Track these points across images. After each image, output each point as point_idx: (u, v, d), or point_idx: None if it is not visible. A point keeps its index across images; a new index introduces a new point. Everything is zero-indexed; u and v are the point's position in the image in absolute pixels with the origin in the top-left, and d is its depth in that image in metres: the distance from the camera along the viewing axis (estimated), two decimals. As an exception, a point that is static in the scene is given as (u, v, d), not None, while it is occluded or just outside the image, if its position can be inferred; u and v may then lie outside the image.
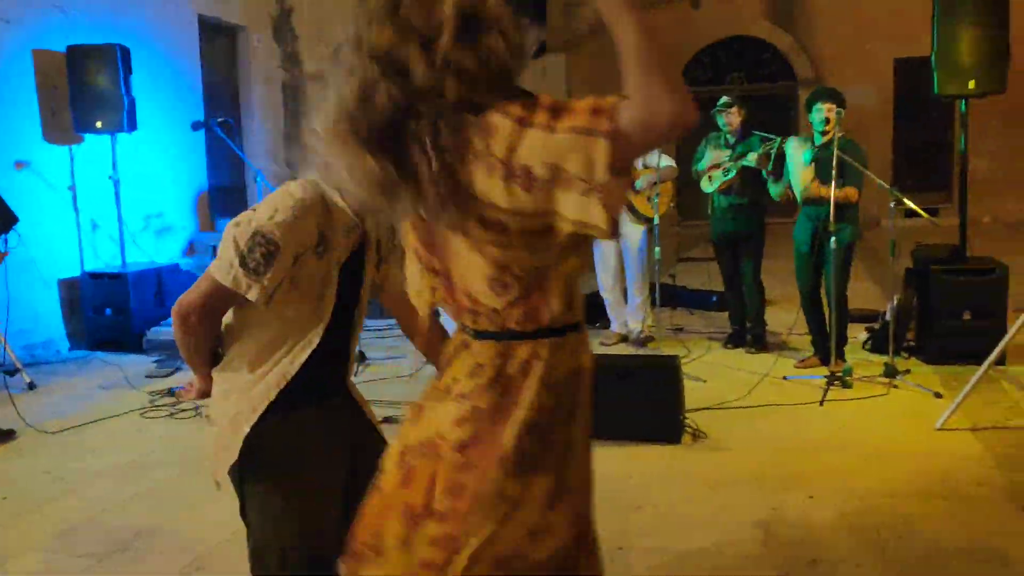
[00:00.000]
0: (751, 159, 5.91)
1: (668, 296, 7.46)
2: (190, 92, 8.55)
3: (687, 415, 4.53)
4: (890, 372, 5.30)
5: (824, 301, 5.71)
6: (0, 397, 5.34)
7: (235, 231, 2.01)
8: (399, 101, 1.44)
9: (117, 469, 4.34)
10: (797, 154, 5.56)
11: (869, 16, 13.44)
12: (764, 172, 5.88)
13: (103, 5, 7.47)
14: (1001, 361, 4.98)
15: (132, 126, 7.08)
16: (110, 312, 6.99)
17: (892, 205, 5.35)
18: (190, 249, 8.55)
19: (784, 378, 5.53)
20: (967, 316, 5.73)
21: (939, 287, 5.82)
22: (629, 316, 6.64)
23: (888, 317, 5.78)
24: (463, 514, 1.52)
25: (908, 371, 5.45)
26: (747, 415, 4.85)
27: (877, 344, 6.03)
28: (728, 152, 6.15)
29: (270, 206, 2.02)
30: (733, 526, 3.44)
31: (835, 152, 5.25)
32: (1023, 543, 3.24)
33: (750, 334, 6.34)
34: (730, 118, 6.12)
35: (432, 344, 2.39)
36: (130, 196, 7.51)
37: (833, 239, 5.31)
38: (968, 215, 6.23)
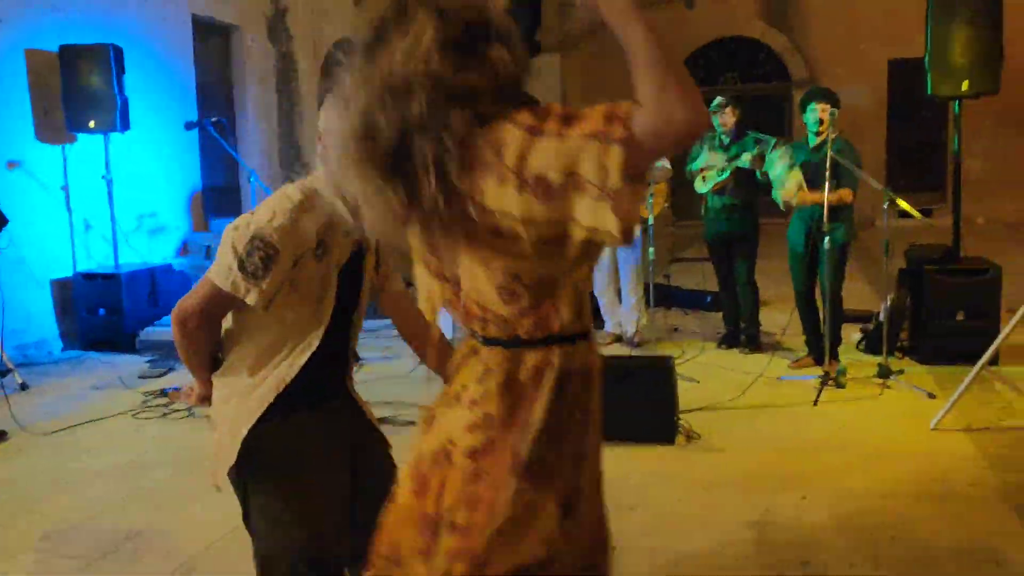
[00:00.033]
0: (745, 160, 5.91)
1: (662, 297, 7.46)
2: (184, 92, 8.53)
3: (681, 416, 4.53)
4: (884, 372, 5.31)
5: (819, 301, 5.72)
6: (-8, 398, 5.32)
7: (233, 235, 2.00)
8: (404, 127, 1.44)
9: (109, 470, 4.32)
10: (780, 164, 5.57)
11: (863, 17, 13.47)
12: (758, 173, 5.88)
13: (96, 5, 7.45)
14: (994, 361, 4.99)
15: (125, 126, 7.06)
16: (103, 312, 6.96)
17: (885, 206, 5.35)
18: (184, 249, 8.53)
19: (778, 378, 5.53)
20: (960, 316, 5.74)
21: (933, 287, 5.83)
22: (623, 317, 6.64)
23: (882, 317, 5.79)
24: (481, 527, 1.51)
25: (902, 371, 5.45)
26: (741, 416, 4.85)
27: (871, 344, 6.04)
28: (722, 153, 6.15)
29: (268, 209, 2.01)
30: (727, 527, 3.44)
31: (828, 153, 5.25)
32: (1016, 543, 3.24)
33: (744, 334, 6.34)
34: (724, 118, 6.12)
35: (432, 348, 2.39)
36: (123, 196, 7.49)
37: (827, 239, 5.32)
38: (962, 215, 6.23)
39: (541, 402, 1.52)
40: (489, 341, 1.56)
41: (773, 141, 5.90)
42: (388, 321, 2.43)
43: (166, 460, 4.44)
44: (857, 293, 6.96)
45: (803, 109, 5.65)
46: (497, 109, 1.43)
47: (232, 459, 2.07)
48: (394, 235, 1.55)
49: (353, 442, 2.24)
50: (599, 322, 6.77)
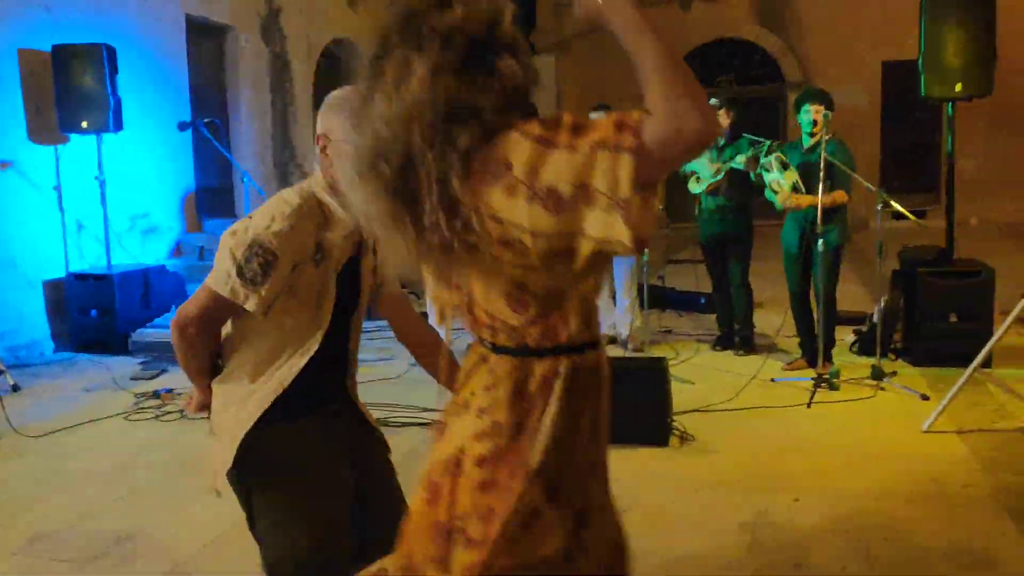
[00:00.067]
0: (739, 161, 5.92)
1: (656, 298, 7.47)
2: (177, 92, 8.51)
3: (674, 417, 4.53)
4: (877, 374, 5.31)
5: (813, 303, 5.72)
6: (-17, 399, 5.29)
7: (231, 241, 1.99)
8: (409, 149, 1.44)
9: (101, 472, 4.30)
10: (775, 168, 5.57)
11: (857, 19, 13.50)
12: (752, 175, 5.88)
13: (89, 4, 7.43)
14: (987, 363, 4.99)
15: (118, 126, 7.04)
16: (95, 313, 6.93)
17: (879, 207, 5.36)
18: (177, 250, 8.51)
19: (772, 380, 5.53)
20: (954, 318, 5.75)
21: (926, 289, 5.83)
22: (617, 319, 6.63)
23: (875, 319, 5.80)
24: (495, 540, 1.50)
25: (895, 373, 5.46)
26: (734, 417, 4.85)
27: (864, 346, 6.05)
28: (716, 155, 6.16)
29: (267, 215, 1.99)
30: (720, 528, 3.44)
31: (822, 155, 5.26)
32: (1009, 545, 3.24)
33: (738, 336, 6.34)
34: (719, 120, 6.12)
35: (430, 352, 2.39)
36: (116, 196, 7.46)
37: (821, 241, 5.32)
38: (955, 217, 6.25)
39: (550, 412, 1.51)
40: (498, 349, 1.55)
41: (768, 144, 5.91)
42: (382, 323, 2.42)
43: (158, 462, 4.43)
44: (851, 295, 6.97)
45: (797, 110, 5.66)
46: (504, 120, 1.43)
47: (230, 462, 2.06)
48: (404, 250, 1.54)
49: (352, 444, 2.23)
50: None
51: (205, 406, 2.19)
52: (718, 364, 6.04)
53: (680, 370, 5.73)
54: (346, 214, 2.07)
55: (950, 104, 6.01)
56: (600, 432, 1.61)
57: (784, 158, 5.58)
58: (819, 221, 5.27)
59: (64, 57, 6.85)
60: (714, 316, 6.74)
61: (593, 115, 6.32)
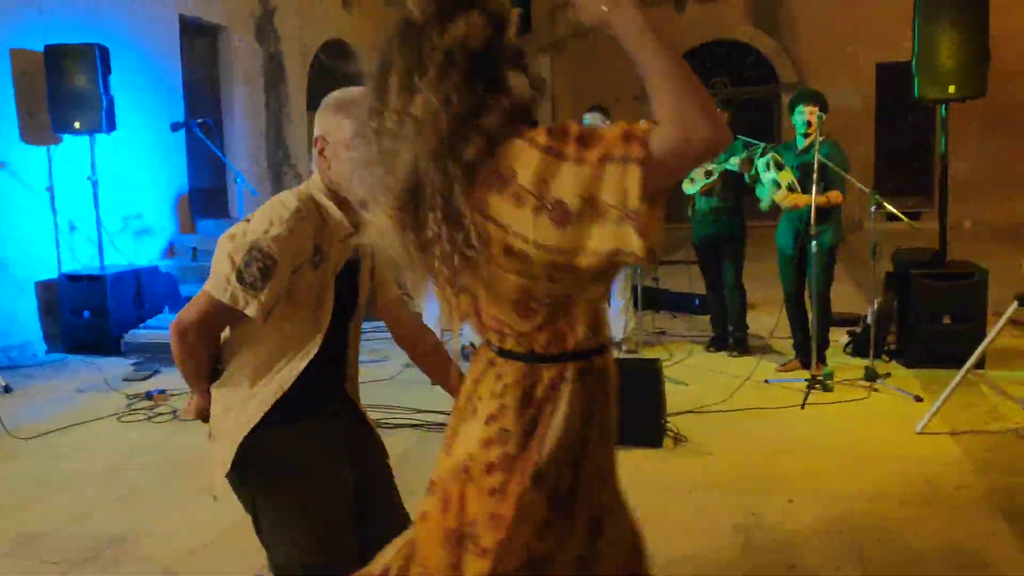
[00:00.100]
0: (734, 163, 5.92)
1: (650, 299, 7.46)
2: (170, 92, 8.49)
3: (668, 419, 4.52)
4: (870, 376, 5.31)
5: (808, 304, 5.72)
6: (-26, 401, 5.28)
7: (230, 246, 1.97)
8: (416, 164, 1.44)
9: (92, 473, 4.28)
10: (771, 169, 5.57)
11: (851, 21, 13.52)
12: (746, 176, 5.88)
13: (82, 4, 7.40)
14: (980, 365, 4.99)
15: (111, 126, 7.02)
16: (88, 314, 6.91)
17: (873, 209, 5.36)
18: (170, 251, 8.49)
19: (765, 381, 5.53)
20: (947, 320, 5.76)
21: (919, 291, 5.84)
22: (611, 320, 6.63)
23: (869, 320, 5.80)
24: (507, 548, 1.49)
25: (888, 375, 5.46)
26: (728, 419, 4.85)
27: (858, 347, 6.05)
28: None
29: (264, 219, 1.98)
30: (713, 530, 3.43)
31: (815, 156, 5.27)
32: (1002, 546, 3.24)
33: (732, 337, 6.34)
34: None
35: (427, 354, 2.38)
36: (109, 197, 7.44)
37: (814, 242, 5.33)
38: (949, 219, 6.26)
39: (557, 418, 1.50)
40: (505, 353, 1.55)
41: (762, 146, 5.91)
42: (376, 324, 2.41)
43: (150, 463, 4.41)
44: (844, 296, 6.98)
45: (791, 111, 5.66)
46: (509, 130, 1.43)
47: (229, 464, 2.05)
48: (411, 259, 1.54)
49: (353, 444, 2.23)
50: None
51: (204, 409, 2.17)
52: (712, 365, 6.04)
53: (674, 371, 5.73)
54: (343, 217, 2.07)
55: (943, 106, 6.02)
56: (609, 437, 1.60)
57: (779, 159, 5.58)
58: (813, 222, 5.27)
59: (57, 57, 6.83)
60: (708, 317, 6.74)
61: (588, 116, 6.35)
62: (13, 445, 4.73)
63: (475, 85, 1.42)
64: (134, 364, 6.44)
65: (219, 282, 1.97)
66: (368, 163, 1.49)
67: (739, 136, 6.15)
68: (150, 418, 5.14)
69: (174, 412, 5.16)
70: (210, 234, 8.62)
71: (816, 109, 5.50)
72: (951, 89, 5.76)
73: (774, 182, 5.51)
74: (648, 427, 4.36)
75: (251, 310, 1.96)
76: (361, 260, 2.19)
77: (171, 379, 5.88)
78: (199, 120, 7.02)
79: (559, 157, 1.36)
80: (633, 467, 4.09)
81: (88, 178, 7.15)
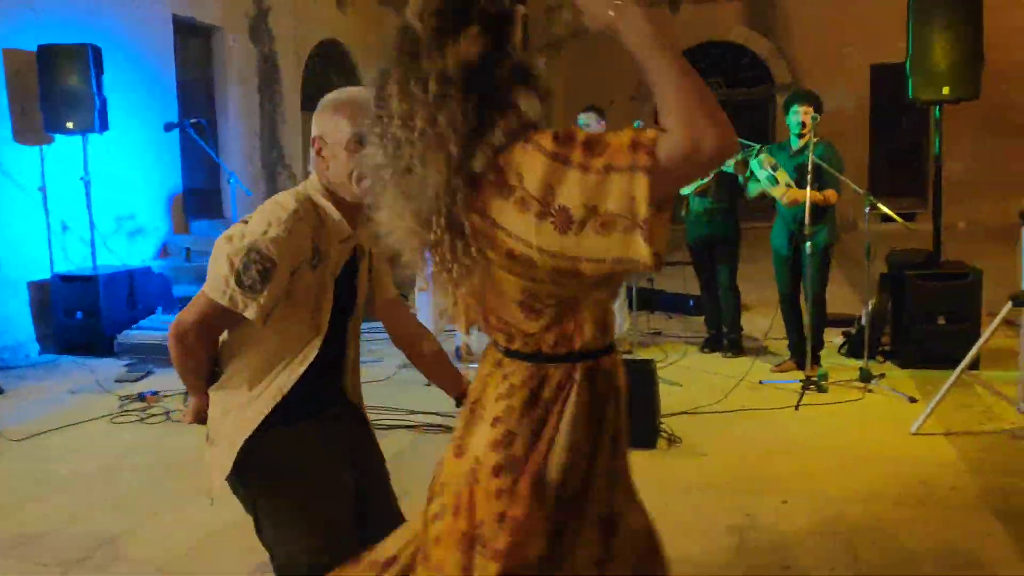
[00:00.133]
0: (729, 164, 5.91)
1: (645, 300, 7.45)
2: (164, 93, 8.46)
3: (662, 420, 4.52)
4: (865, 376, 5.31)
5: (803, 305, 5.72)
6: (-34, 402, 5.25)
7: (228, 248, 1.95)
8: (426, 175, 1.45)
9: (85, 475, 4.26)
10: (765, 168, 5.57)
11: (846, 22, 13.54)
12: (741, 178, 5.88)
13: (75, 4, 7.37)
14: (975, 365, 5.00)
15: (104, 126, 6.99)
16: (80, 315, 6.88)
17: (867, 210, 5.37)
18: (163, 251, 8.46)
19: (760, 382, 5.53)
20: (941, 320, 5.77)
21: (914, 292, 5.85)
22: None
23: (864, 321, 5.81)
24: (518, 550, 1.48)
25: (883, 375, 5.46)
26: (722, 420, 4.84)
27: (853, 348, 6.06)
28: None
29: (263, 220, 1.97)
30: (708, 531, 3.43)
31: (810, 157, 5.27)
32: (996, 547, 3.24)
33: (726, 339, 6.34)
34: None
35: (424, 354, 2.37)
36: (101, 197, 7.41)
37: (808, 243, 5.33)
38: (943, 220, 6.26)
39: (565, 419, 1.50)
40: (512, 354, 1.54)
41: (757, 147, 5.91)
42: (370, 324, 2.40)
43: (142, 465, 4.39)
44: (839, 297, 6.99)
45: (786, 112, 5.67)
46: (514, 138, 1.43)
47: (228, 468, 2.03)
48: (418, 259, 1.56)
49: (353, 445, 2.22)
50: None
51: (202, 413, 2.16)
52: (706, 366, 6.03)
53: (668, 372, 5.72)
54: (342, 217, 2.05)
55: (937, 107, 6.03)
56: (619, 438, 1.60)
57: (773, 160, 5.58)
58: (808, 222, 5.27)
59: (49, 57, 6.80)
60: (703, 318, 6.74)
61: (583, 116, 6.34)
62: (4, 446, 4.70)
63: (477, 102, 1.42)
64: (127, 365, 6.41)
65: (218, 284, 1.95)
66: (376, 167, 1.51)
67: (734, 137, 6.14)
68: (143, 419, 5.12)
69: (167, 413, 5.14)
70: (204, 235, 8.59)
71: (811, 110, 5.50)
72: (945, 90, 5.76)
73: (771, 178, 5.50)
74: (642, 428, 4.35)
75: (250, 312, 1.95)
76: (360, 261, 2.17)
77: (164, 380, 5.86)
78: (192, 120, 7.00)
79: (565, 163, 1.35)
80: (627, 468, 4.08)
81: (81, 178, 7.12)
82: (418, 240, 1.51)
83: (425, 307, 5.86)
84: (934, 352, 5.62)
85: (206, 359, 2.10)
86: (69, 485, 4.14)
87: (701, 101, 1.29)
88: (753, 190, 5.77)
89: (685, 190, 6.24)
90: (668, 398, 4.80)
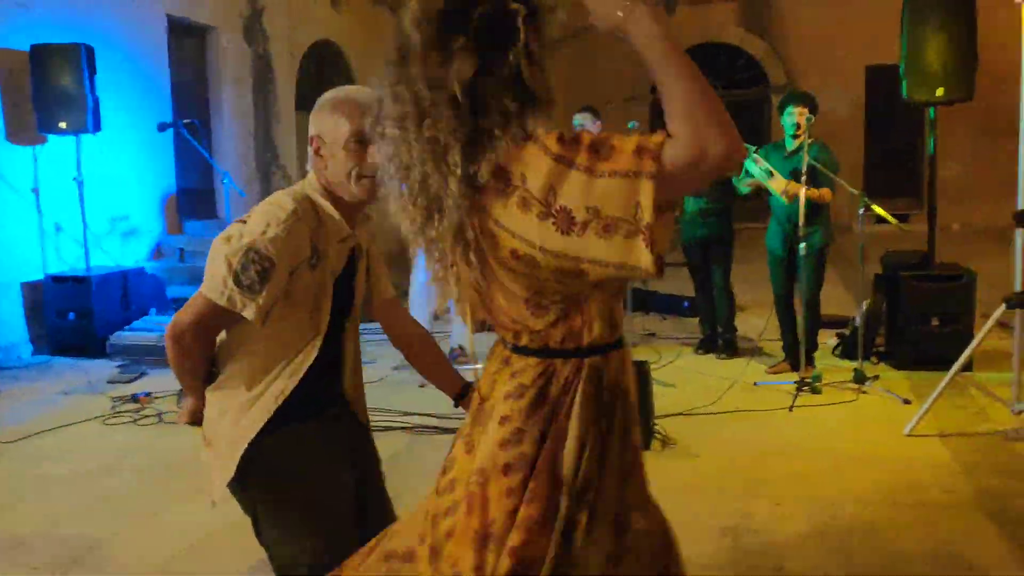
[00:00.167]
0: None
1: (640, 301, 7.45)
2: (158, 93, 8.44)
3: (656, 421, 4.51)
4: (859, 378, 5.31)
5: (798, 306, 5.72)
6: (-43, 403, 5.23)
7: (226, 248, 1.94)
8: (427, 176, 1.47)
9: (76, 476, 4.25)
10: (759, 166, 5.57)
11: (841, 23, 13.56)
12: (734, 180, 5.88)
13: (68, 4, 7.35)
14: (968, 367, 5.00)
15: (97, 127, 6.97)
16: (73, 316, 6.85)
17: (861, 211, 5.37)
18: (157, 252, 8.43)
19: (754, 384, 5.53)
20: (935, 322, 5.77)
21: (908, 293, 5.85)
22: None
23: (858, 323, 5.81)
24: (530, 547, 1.48)
25: (877, 377, 5.46)
26: (716, 421, 4.84)
27: (847, 350, 6.05)
28: None
29: (261, 220, 1.95)
30: (701, 533, 3.42)
31: (804, 158, 5.27)
32: (989, 550, 3.24)
33: (721, 339, 6.34)
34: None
35: (422, 354, 2.36)
36: (95, 198, 7.39)
37: (803, 245, 5.32)
38: (938, 221, 6.27)
39: (574, 415, 1.50)
40: (520, 350, 1.54)
41: (752, 149, 5.91)
42: (365, 325, 2.39)
43: (134, 467, 4.37)
44: (834, 298, 6.98)
45: (781, 113, 5.67)
46: (515, 143, 1.43)
47: (231, 472, 2.02)
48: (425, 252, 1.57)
49: (353, 445, 2.22)
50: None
51: (197, 413, 2.14)
52: (701, 367, 6.03)
53: (662, 373, 5.72)
54: (340, 217, 2.05)
55: (932, 108, 6.03)
56: (630, 433, 1.59)
57: (765, 162, 5.57)
58: (802, 223, 5.27)
59: (42, 56, 6.77)
60: (697, 319, 6.74)
61: (578, 116, 6.33)
62: (-4, 448, 4.69)
63: (471, 111, 1.42)
64: (120, 366, 6.39)
65: (216, 285, 1.94)
66: (386, 159, 1.53)
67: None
68: (135, 421, 5.10)
69: (159, 415, 5.12)
70: (198, 235, 8.57)
71: (805, 111, 5.50)
72: (939, 92, 5.77)
73: (767, 171, 5.49)
74: (636, 430, 4.34)
75: (249, 313, 1.93)
76: (358, 261, 2.16)
77: (157, 382, 5.84)
78: (186, 120, 6.97)
79: (569, 165, 1.35)
80: (621, 470, 4.08)
81: (74, 179, 7.09)
82: (422, 235, 1.52)
83: (416, 304, 5.86)
84: (928, 353, 5.62)
85: (203, 360, 2.09)
86: (61, 487, 4.12)
87: (709, 108, 1.29)
88: (743, 184, 5.74)
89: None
90: (662, 399, 4.79)
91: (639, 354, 6.16)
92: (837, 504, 3.65)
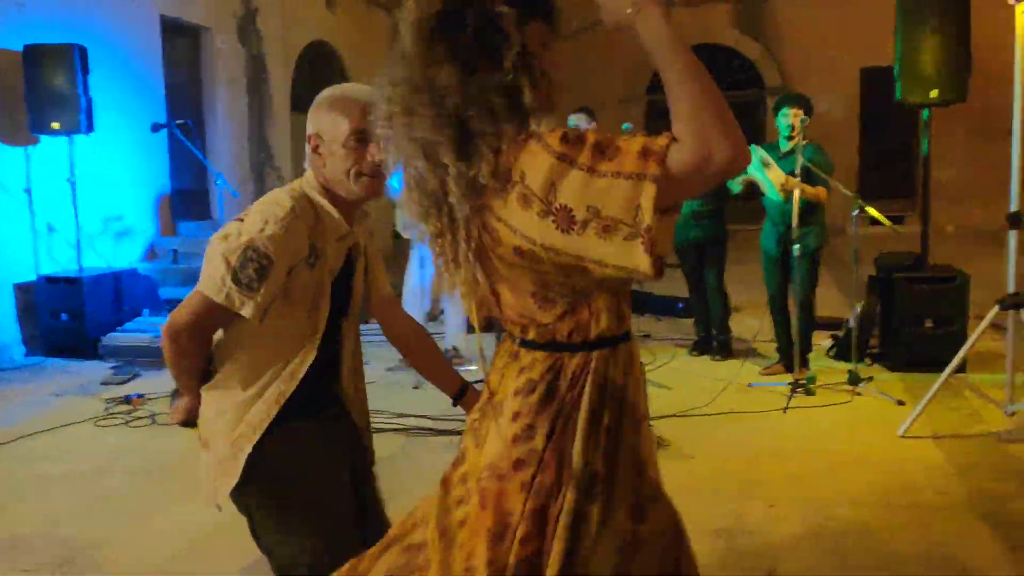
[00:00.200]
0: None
1: (635, 302, 7.41)
2: (151, 93, 8.41)
3: (651, 423, 4.49)
4: (853, 379, 5.31)
5: (792, 307, 5.72)
6: (-51, 404, 5.20)
7: (223, 246, 1.93)
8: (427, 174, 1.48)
9: (69, 478, 4.23)
10: (755, 159, 5.56)
11: (836, 25, 13.57)
12: (729, 180, 5.87)
13: (61, 4, 7.32)
14: (962, 368, 5.01)
15: (90, 127, 6.95)
16: (66, 317, 6.83)
17: (855, 213, 5.37)
18: (151, 253, 8.41)
19: (748, 385, 5.52)
20: (929, 324, 5.77)
21: (902, 294, 5.86)
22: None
23: (852, 324, 5.81)
24: (544, 540, 1.48)
25: (871, 378, 5.46)
26: (710, 423, 4.84)
27: (841, 351, 6.06)
28: None
29: (259, 218, 1.94)
30: (695, 534, 3.35)
31: (798, 159, 5.27)
32: (983, 551, 3.24)
33: (715, 341, 6.34)
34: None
35: (419, 352, 2.35)
36: (88, 199, 7.36)
37: (797, 246, 5.32)
38: (932, 223, 6.27)
39: (583, 408, 1.49)
40: (528, 344, 1.54)
41: (751, 147, 5.90)
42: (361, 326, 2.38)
43: (127, 468, 4.36)
44: (828, 300, 7.00)
45: (776, 114, 5.66)
46: (514, 145, 1.43)
47: (237, 476, 2.00)
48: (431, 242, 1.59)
49: (351, 446, 2.21)
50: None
51: (192, 412, 2.12)
52: (695, 369, 6.03)
53: (657, 375, 5.71)
54: (339, 215, 2.04)
55: (926, 110, 6.04)
56: (641, 425, 1.59)
57: (767, 157, 5.56)
58: (795, 224, 5.27)
59: (35, 57, 6.75)
60: (692, 320, 6.74)
61: (573, 117, 6.33)
62: (-12, 450, 4.66)
63: (460, 116, 1.43)
64: (112, 368, 6.37)
65: (214, 283, 1.93)
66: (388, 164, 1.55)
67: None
68: (127, 422, 5.08)
69: (152, 416, 5.11)
70: (192, 236, 8.55)
71: (800, 112, 5.50)
72: (933, 93, 5.77)
73: (763, 162, 5.48)
74: (630, 431, 4.33)
75: (247, 311, 1.92)
76: (357, 260, 2.16)
77: (150, 383, 5.82)
78: (179, 121, 6.95)
79: (571, 164, 1.35)
80: (615, 471, 4.07)
81: (67, 179, 7.07)
82: (424, 228, 1.53)
83: (411, 305, 5.84)
84: (922, 355, 5.62)
85: (200, 359, 2.08)
86: (54, 488, 4.11)
87: (716, 113, 1.28)
88: (736, 183, 5.72)
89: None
90: (657, 401, 4.79)
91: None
92: (831, 505, 3.65)
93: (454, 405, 2.23)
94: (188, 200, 9.11)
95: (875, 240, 7.07)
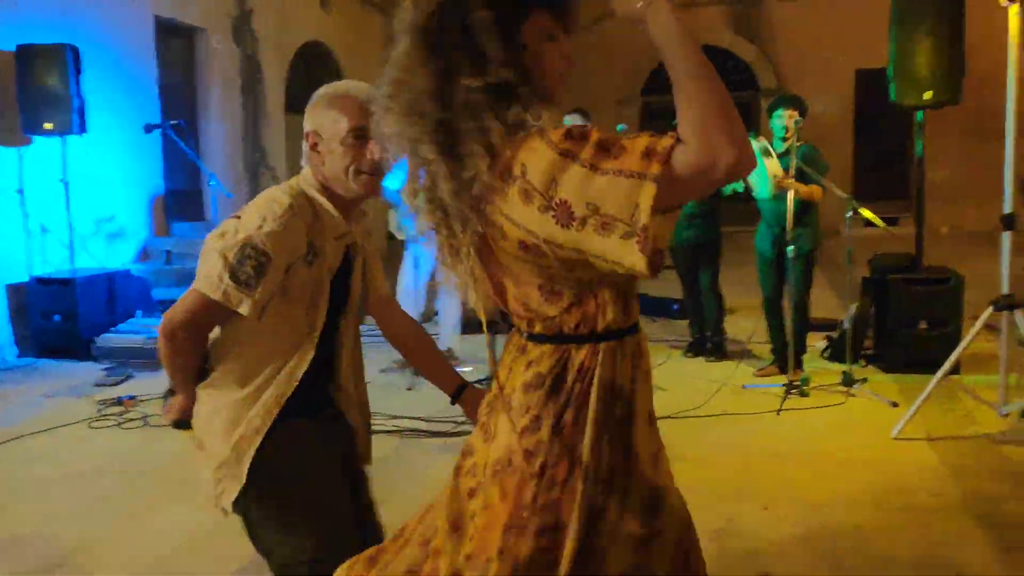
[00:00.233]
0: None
1: (630, 303, 7.43)
2: (145, 94, 8.39)
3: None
4: (847, 381, 5.31)
5: (787, 308, 5.72)
6: (-60, 406, 5.18)
7: (220, 243, 1.92)
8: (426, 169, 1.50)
9: (62, 480, 4.21)
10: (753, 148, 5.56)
11: (831, 27, 13.60)
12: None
13: (54, 4, 7.30)
14: (956, 370, 5.01)
15: (83, 128, 6.92)
16: (58, 318, 6.80)
17: (849, 214, 5.37)
18: (144, 254, 8.38)
19: (743, 387, 5.52)
20: (923, 325, 5.78)
21: (896, 296, 5.86)
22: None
23: (846, 326, 5.81)
24: (556, 532, 1.48)
25: (865, 380, 5.47)
26: (704, 424, 4.83)
27: (835, 353, 6.06)
28: None
29: (257, 215, 1.93)
30: (688, 537, 3.40)
31: (793, 160, 5.28)
32: (977, 553, 3.23)
33: (710, 342, 6.33)
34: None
35: (417, 350, 2.34)
36: (81, 199, 7.34)
37: (792, 247, 5.32)
38: (926, 224, 6.28)
39: (592, 400, 1.49)
40: (535, 337, 1.54)
41: (752, 133, 5.90)
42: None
43: (119, 470, 4.34)
44: (822, 301, 6.99)
45: (770, 115, 5.66)
46: (511, 145, 1.43)
47: (242, 481, 1.99)
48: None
49: (350, 447, 2.21)
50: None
51: (187, 411, 2.11)
52: (690, 370, 6.03)
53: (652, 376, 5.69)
54: (338, 213, 2.03)
55: (920, 112, 6.05)
56: (650, 417, 1.60)
57: (768, 146, 5.55)
58: (790, 224, 5.27)
59: (28, 57, 6.73)
60: (686, 322, 6.73)
61: (568, 117, 6.32)
62: (-21, 451, 4.64)
63: (447, 120, 1.44)
64: (105, 369, 6.34)
65: (211, 281, 1.92)
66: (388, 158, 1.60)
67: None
68: (120, 424, 5.06)
69: (145, 418, 5.08)
70: (185, 237, 8.52)
71: (795, 114, 5.50)
72: (927, 95, 5.77)
73: (764, 150, 5.47)
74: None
75: (244, 308, 1.91)
76: (355, 259, 2.15)
77: (143, 384, 5.80)
78: (173, 122, 6.93)
79: (572, 160, 1.35)
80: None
81: (60, 180, 7.04)
82: (426, 221, 1.54)
83: (405, 306, 5.83)
84: (916, 356, 5.63)
85: (196, 357, 2.06)
86: (47, 489, 4.09)
87: (722, 116, 1.28)
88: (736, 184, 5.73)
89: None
90: (650, 402, 4.77)
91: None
92: (824, 507, 3.64)
93: (452, 404, 2.22)
94: (182, 201, 9.09)
95: (869, 241, 7.08)
